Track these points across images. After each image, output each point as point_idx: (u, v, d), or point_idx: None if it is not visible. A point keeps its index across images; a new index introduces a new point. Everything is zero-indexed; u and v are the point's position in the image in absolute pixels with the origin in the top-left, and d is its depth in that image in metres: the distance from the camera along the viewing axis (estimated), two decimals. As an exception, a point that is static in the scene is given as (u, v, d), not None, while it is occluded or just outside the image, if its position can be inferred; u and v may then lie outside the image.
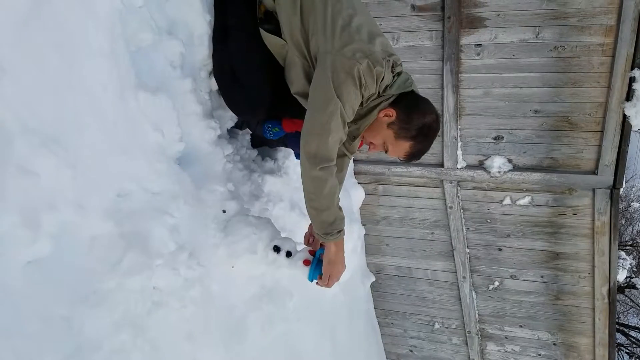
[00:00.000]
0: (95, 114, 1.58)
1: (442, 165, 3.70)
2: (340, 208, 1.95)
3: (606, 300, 3.72)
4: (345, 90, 1.76)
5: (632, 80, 3.00)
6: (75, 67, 1.49)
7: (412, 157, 1.96)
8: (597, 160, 3.29)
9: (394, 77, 1.92)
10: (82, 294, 1.56)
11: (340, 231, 1.94)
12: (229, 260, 2.09)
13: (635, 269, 9.81)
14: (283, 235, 2.32)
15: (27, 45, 1.35)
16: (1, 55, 1.28)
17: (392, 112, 1.89)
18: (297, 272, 2.07)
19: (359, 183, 4.03)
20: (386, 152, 1.97)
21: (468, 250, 3.98)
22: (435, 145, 3.61)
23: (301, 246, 2.17)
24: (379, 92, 1.89)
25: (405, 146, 1.91)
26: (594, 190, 3.38)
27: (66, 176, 1.47)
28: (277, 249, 2.09)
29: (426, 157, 3.52)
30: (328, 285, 2.03)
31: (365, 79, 1.77)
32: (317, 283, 2.06)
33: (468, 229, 3.90)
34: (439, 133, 3.53)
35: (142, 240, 1.71)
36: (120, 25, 1.64)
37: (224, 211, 2.17)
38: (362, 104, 1.89)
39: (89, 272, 1.59)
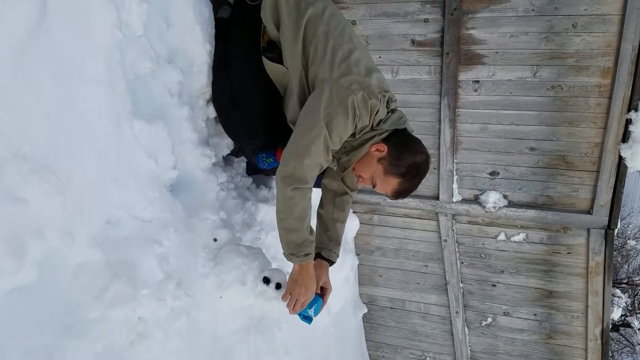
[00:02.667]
0: (89, 141, 1.58)
1: (437, 197, 3.70)
2: (311, 232, 1.94)
3: (599, 341, 3.68)
4: (335, 119, 1.77)
5: (628, 122, 3.02)
6: (71, 95, 1.50)
7: (399, 195, 1.96)
8: (593, 200, 3.29)
9: (388, 113, 1.94)
10: (65, 323, 1.54)
11: (308, 255, 1.92)
12: (218, 291, 2.06)
13: (630, 308, 9.74)
14: (274, 265, 2.31)
15: (23, 71, 1.36)
16: (-4, 82, 1.29)
17: (384, 148, 1.90)
18: (284, 303, 2.04)
19: (354, 212, 4.02)
20: (374, 187, 1.97)
21: (462, 285, 3.94)
22: (432, 178, 3.63)
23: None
24: (372, 126, 1.90)
25: (393, 183, 1.92)
26: (588, 230, 3.37)
27: (55, 203, 1.45)
28: (266, 281, 2.07)
29: (422, 189, 3.54)
30: (288, 306, 2.01)
31: (359, 110, 1.79)
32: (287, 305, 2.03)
33: (462, 263, 3.87)
34: (435, 165, 3.58)
35: (129, 269, 1.69)
36: (118, 54, 1.65)
37: (215, 240, 2.16)
38: (354, 135, 1.91)
39: (74, 301, 1.57)
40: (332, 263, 2.22)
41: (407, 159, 1.90)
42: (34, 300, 1.45)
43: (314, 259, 2.19)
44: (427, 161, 1.95)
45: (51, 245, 1.47)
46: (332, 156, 2.06)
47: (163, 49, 2.01)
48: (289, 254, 1.92)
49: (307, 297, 2.01)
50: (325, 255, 2.20)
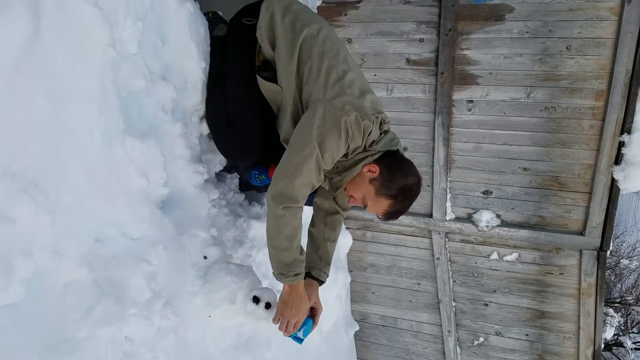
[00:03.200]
0: (80, 159, 1.57)
1: (431, 215, 3.70)
2: (301, 251, 1.93)
3: (591, 362, 3.67)
4: (327, 139, 1.78)
5: (621, 144, 3.04)
6: (63, 113, 1.49)
7: (390, 216, 1.96)
8: (585, 221, 3.29)
9: (381, 134, 1.95)
10: (52, 342, 1.51)
11: (297, 275, 1.91)
12: (206, 310, 2.05)
13: (623, 327, 9.72)
14: (265, 283, 2.29)
15: (15, 89, 1.35)
16: (-14, 100, 1.29)
17: (376, 169, 1.90)
18: (275, 325, 2.02)
19: (347, 228, 4.01)
20: (365, 207, 1.97)
21: (454, 304, 3.93)
22: (425, 196, 3.63)
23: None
24: (365, 146, 1.91)
25: (384, 204, 1.92)
26: (581, 251, 3.37)
27: (44, 222, 1.44)
28: (256, 300, 2.06)
29: (415, 207, 3.55)
30: (280, 328, 1.99)
31: (352, 131, 1.80)
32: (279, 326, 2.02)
33: (455, 281, 3.86)
34: (429, 183, 3.59)
35: (117, 288, 1.67)
36: (112, 72, 1.65)
37: (205, 257, 2.15)
38: (347, 155, 1.91)
39: (61, 320, 1.55)
40: (321, 283, 2.21)
41: (399, 181, 1.91)
42: (20, 318, 1.43)
43: (304, 279, 2.19)
44: (419, 183, 1.96)
45: (39, 264, 1.45)
46: (324, 176, 2.06)
47: (157, 66, 2.01)
48: (278, 274, 1.91)
49: (299, 318, 2.00)
50: (315, 274, 2.19)
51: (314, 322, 2.13)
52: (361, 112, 1.81)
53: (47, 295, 1.52)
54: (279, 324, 2.00)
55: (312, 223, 2.29)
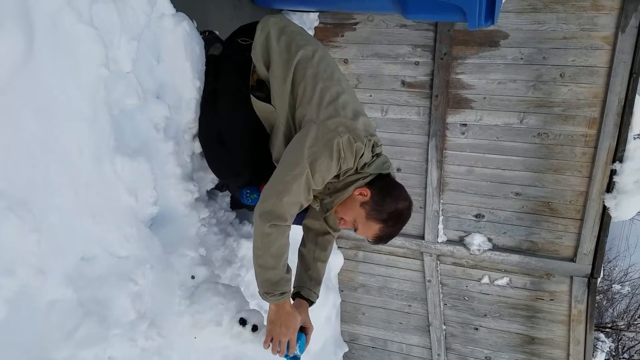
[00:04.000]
0: (69, 177, 1.55)
1: (423, 237, 3.69)
2: (288, 270, 1.91)
3: (580, 390, 3.64)
4: (319, 159, 1.77)
5: (613, 172, 3.06)
6: (53, 131, 1.48)
7: (380, 240, 1.95)
8: (576, 247, 3.30)
9: (373, 156, 1.95)
10: (33, 363, 1.49)
11: (284, 294, 1.89)
12: (192, 331, 2.02)
13: (614, 353, 9.68)
14: (253, 303, 2.27)
15: (4, 107, 1.35)
16: (-25, 118, 1.28)
17: (367, 192, 1.90)
18: (261, 347, 2.00)
19: (339, 248, 4.00)
20: (355, 230, 1.96)
21: (444, 327, 3.91)
22: (418, 217, 3.63)
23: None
24: (356, 168, 1.91)
25: (374, 228, 1.91)
26: (571, 277, 3.37)
27: (29, 240, 1.42)
28: (243, 322, 2.03)
29: (408, 228, 3.53)
30: (273, 351, 1.96)
31: (344, 152, 1.79)
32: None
33: (445, 304, 3.84)
34: (422, 205, 3.59)
35: (101, 308, 1.65)
36: (104, 90, 1.64)
37: (192, 277, 2.12)
38: (338, 176, 1.91)
39: (44, 340, 1.53)
40: (311, 303, 2.19)
41: (390, 205, 1.90)
42: (2, 337, 1.41)
43: (294, 298, 2.17)
44: (410, 208, 1.95)
45: (23, 283, 1.43)
46: (316, 197, 2.06)
47: (152, 84, 2.01)
48: (264, 293, 1.88)
49: (290, 337, 1.97)
50: (304, 294, 2.17)
51: (307, 340, 2.10)
52: (354, 134, 1.81)
53: (30, 315, 1.50)
54: (270, 348, 1.96)
55: (303, 243, 2.28)
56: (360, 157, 1.87)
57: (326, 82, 1.95)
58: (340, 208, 1.99)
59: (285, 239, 1.85)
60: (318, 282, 2.24)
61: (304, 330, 2.12)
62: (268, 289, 1.87)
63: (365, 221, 1.92)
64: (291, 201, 1.80)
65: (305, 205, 1.90)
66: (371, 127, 2.01)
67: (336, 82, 2.01)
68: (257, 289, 1.92)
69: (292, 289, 1.95)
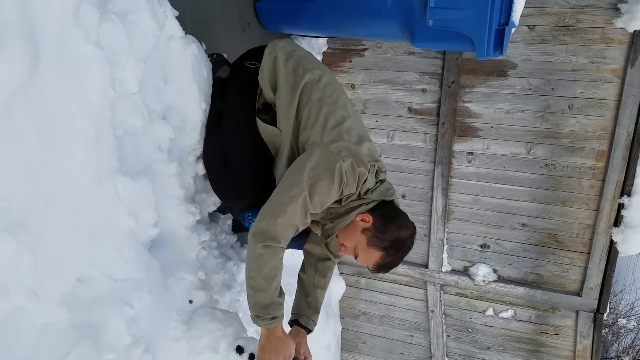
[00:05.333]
0: (68, 198, 1.53)
1: (427, 266, 3.64)
2: (280, 294, 1.85)
3: None
4: (319, 183, 1.75)
5: (621, 206, 3.01)
6: (55, 151, 1.47)
7: (380, 269, 1.91)
8: (583, 282, 3.24)
9: (376, 183, 1.92)
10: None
11: (275, 318, 1.83)
12: (188, 357, 1.97)
13: (620, 388, 9.47)
14: (251, 330, 2.22)
15: (7, 126, 1.33)
16: (-25, 136, 1.26)
17: (369, 219, 1.87)
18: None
19: (341, 274, 3.95)
20: (356, 258, 1.92)
21: (447, 359, 3.83)
22: (422, 245, 3.58)
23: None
24: (359, 194, 1.88)
25: (375, 256, 1.87)
26: (577, 312, 3.30)
27: (24, 261, 1.40)
28: (240, 350, 1.98)
29: (412, 256, 3.49)
30: None
31: (346, 177, 1.77)
32: None
33: (449, 336, 3.77)
34: (426, 233, 3.54)
35: (95, 332, 1.61)
36: (109, 111, 1.63)
37: (190, 301, 2.08)
38: (340, 201, 1.88)
39: (33, 363, 1.49)
40: (309, 331, 2.15)
41: (392, 233, 1.86)
42: (-8, 360, 1.38)
43: (292, 326, 2.12)
44: (412, 237, 1.91)
45: (15, 304, 1.40)
46: (317, 222, 2.02)
47: (157, 106, 2.00)
48: (255, 316, 1.83)
49: None
50: (302, 322, 2.12)
51: None
52: (357, 158, 1.79)
53: (22, 338, 1.46)
54: None
55: (303, 268, 2.24)
56: (364, 183, 1.85)
57: (331, 106, 1.94)
58: (342, 234, 1.96)
59: (278, 261, 1.81)
60: (317, 310, 2.19)
61: None
62: (259, 312, 1.82)
63: (367, 248, 1.89)
64: (286, 223, 1.77)
65: (301, 229, 1.87)
66: (376, 152, 1.99)
67: (341, 106, 2.00)
68: (249, 313, 1.87)
69: (283, 314, 1.90)
